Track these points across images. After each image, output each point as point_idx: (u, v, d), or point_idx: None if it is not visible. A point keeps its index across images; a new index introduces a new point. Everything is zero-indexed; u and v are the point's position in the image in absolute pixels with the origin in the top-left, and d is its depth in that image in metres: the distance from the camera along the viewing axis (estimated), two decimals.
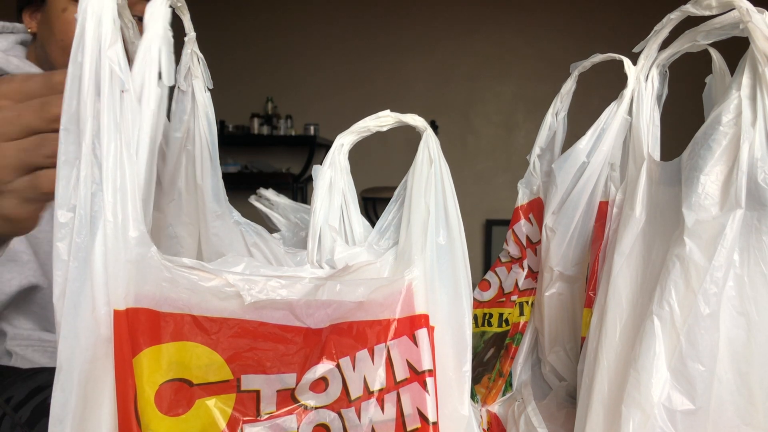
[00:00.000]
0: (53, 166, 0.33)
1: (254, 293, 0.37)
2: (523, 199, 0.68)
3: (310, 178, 4.09)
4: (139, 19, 0.91)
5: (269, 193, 0.95)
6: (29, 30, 0.84)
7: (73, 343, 0.31)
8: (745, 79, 0.42)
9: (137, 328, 0.33)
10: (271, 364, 0.37)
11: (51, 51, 0.82)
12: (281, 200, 0.96)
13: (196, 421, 0.35)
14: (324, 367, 0.39)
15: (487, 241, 3.98)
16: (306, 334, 0.39)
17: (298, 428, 0.38)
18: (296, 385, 0.38)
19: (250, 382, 0.37)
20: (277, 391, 0.38)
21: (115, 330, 0.32)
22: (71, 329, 0.30)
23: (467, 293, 0.44)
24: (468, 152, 4.05)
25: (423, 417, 0.40)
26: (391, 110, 0.48)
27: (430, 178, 0.44)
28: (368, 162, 4.10)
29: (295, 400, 0.38)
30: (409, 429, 0.40)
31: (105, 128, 0.31)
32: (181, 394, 0.35)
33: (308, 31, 4.05)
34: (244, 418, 0.36)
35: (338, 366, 0.39)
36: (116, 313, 0.32)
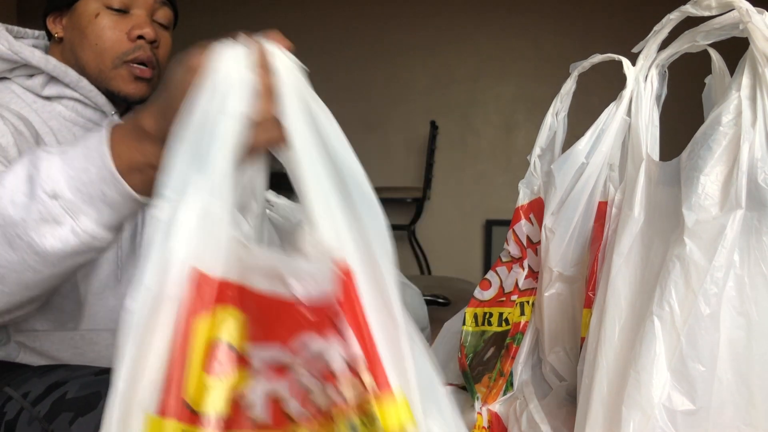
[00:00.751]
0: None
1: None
2: (523, 199, 0.68)
3: None
4: (159, 25, 0.95)
5: (268, 195, 0.96)
6: (56, 35, 0.86)
7: (146, 290, 0.37)
8: (745, 80, 0.42)
9: (202, 288, 0.37)
10: (264, 334, 0.40)
11: (83, 54, 0.85)
12: (280, 201, 0.97)
13: (228, 385, 0.37)
14: (315, 343, 0.40)
15: (487, 241, 3.98)
16: (300, 309, 0.40)
17: (288, 388, 0.39)
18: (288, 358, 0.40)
19: (251, 351, 0.39)
20: (268, 364, 0.40)
21: (188, 287, 0.38)
22: (146, 277, 0.37)
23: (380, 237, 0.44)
24: (468, 153, 4.05)
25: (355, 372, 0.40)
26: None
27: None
28: (368, 162, 4.10)
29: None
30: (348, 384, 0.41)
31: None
32: (228, 358, 0.38)
33: (308, 32, 4.06)
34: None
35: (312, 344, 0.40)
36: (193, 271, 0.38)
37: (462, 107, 4.07)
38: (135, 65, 0.85)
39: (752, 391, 0.42)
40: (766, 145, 0.41)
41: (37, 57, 0.81)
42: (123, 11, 0.84)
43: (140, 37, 0.84)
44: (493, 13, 4.03)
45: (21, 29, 0.89)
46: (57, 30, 0.86)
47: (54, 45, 0.87)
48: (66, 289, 0.81)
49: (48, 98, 0.84)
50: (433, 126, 3.53)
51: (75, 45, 0.85)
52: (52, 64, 0.82)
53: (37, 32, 0.91)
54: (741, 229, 0.41)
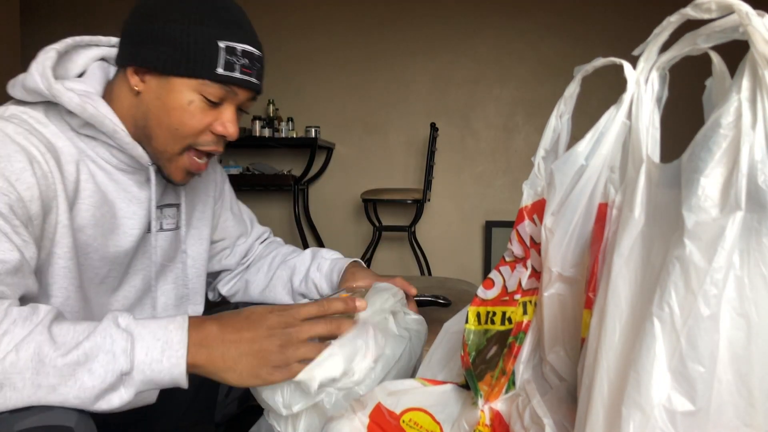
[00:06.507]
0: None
1: None
2: (527, 200, 0.68)
3: (311, 180, 4.09)
4: (240, 111, 0.88)
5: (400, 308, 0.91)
6: (135, 88, 0.82)
7: None
8: (745, 82, 0.42)
9: None
10: None
11: (158, 129, 0.82)
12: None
13: None
14: None
15: (487, 242, 3.99)
16: None
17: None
18: None
19: None
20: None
21: None
22: None
23: None
24: (468, 154, 4.05)
25: None
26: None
27: None
28: (369, 164, 4.11)
29: None
30: None
31: None
32: None
33: (310, 34, 4.06)
34: None
35: None
36: None
37: (462, 109, 4.08)
38: (196, 158, 0.84)
39: (752, 392, 0.42)
40: (766, 147, 0.41)
41: (74, 104, 0.78)
42: (216, 103, 0.81)
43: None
44: (493, 17, 4.04)
45: (89, 38, 0.86)
46: (137, 83, 0.82)
47: (128, 92, 0.83)
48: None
49: (86, 136, 0.82)
50: (433, 128, 3.53)
51: (151, 114, 0.81)
52: (88, 113, 0.79)
53: (113, 39, 0.87)
54: (741, 230, 0.41)
